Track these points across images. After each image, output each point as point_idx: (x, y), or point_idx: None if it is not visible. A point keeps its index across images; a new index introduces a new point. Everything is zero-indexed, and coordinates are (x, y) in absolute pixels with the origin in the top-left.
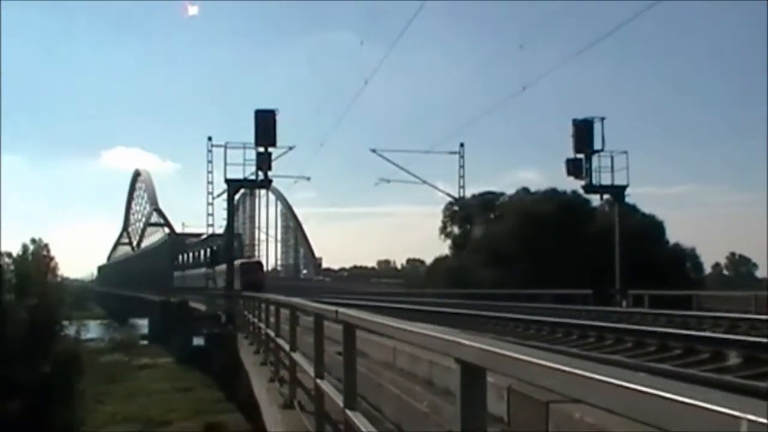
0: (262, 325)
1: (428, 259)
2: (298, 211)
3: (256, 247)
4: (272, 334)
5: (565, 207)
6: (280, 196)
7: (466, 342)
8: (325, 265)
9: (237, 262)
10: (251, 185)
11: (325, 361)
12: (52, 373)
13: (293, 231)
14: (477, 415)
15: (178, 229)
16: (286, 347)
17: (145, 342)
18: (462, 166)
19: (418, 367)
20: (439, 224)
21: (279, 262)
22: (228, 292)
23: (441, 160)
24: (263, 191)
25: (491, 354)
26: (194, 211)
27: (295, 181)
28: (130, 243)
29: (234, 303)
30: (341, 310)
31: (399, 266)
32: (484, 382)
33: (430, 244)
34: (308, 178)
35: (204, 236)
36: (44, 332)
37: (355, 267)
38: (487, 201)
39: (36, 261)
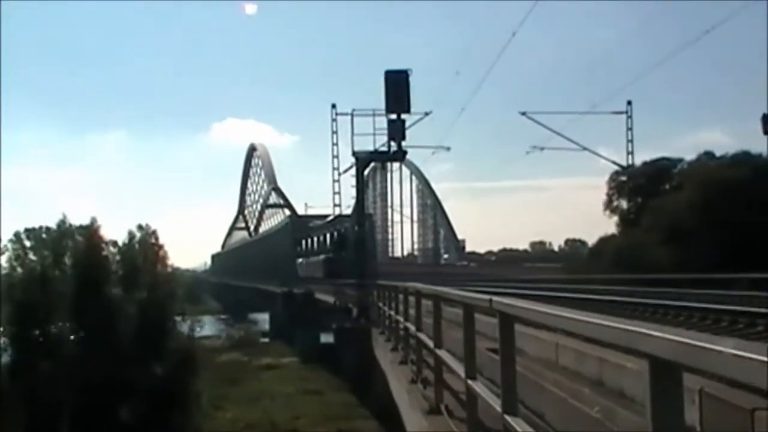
0: (401, 318)
1: (591, 239)
2: (437, 187)
3: (390, 230)
4: (413, 328)
5: (762, 172)
6: (415, 170)
7: (657, 333)
8: (469, 248)
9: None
10: (382, 158)
11: (476, 359)
12: (165, 375)
13: (431, 210)
14: (671, 423)
15: (300, 211)
16: (430, 343)
17: (266, 339)
18: (630, 129)
19: (586, 366)
20: (603, 198)
21: (416, 247)
22: (360, 281)
23: (604, 123)
24: (396, 165)
25: (689, 348)
26: (317, 189)
27: (433, 152)
28: (247, 227)
29: (367, 293)
30: (496, 299)
31: (556, 248)
32: (680, 383)
33: (593, 222)
34: (448, 149)
35: (329, 218)
36: (155, 329)
37: (503, 250)
38: (662, 169)
39: (144, 250)
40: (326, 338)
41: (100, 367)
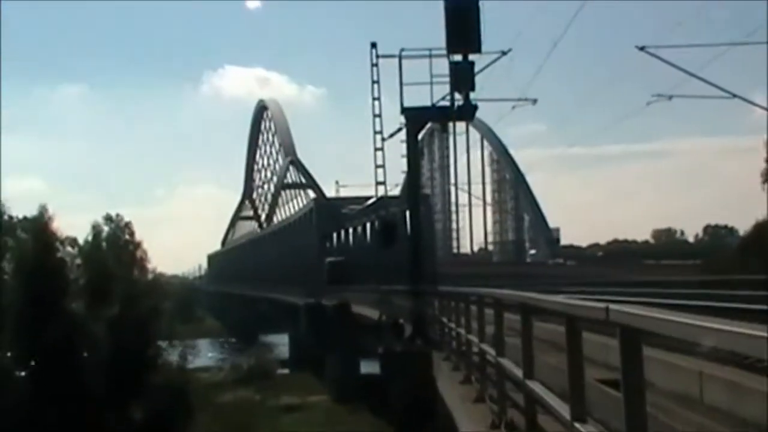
0: (474, 339)
1: (742, 225)
2: (519, 156)
3: (453, 216)
4: (491, 352)
5: None
6: (488, 133)
7: None
8: (565, 240)
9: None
10: (443, 117)
11: (585, 395)
12: (146, 423)
13: (511, 188)
14: None
15: (330, 192)
16: (517, 373)
17: (286, 370)
18: None
19: (747, 406)
20: (761, 166)
21: (490, 239)
22: (415, 288)
23: (762, 59)
24: (462, 126)
25: None
26: (352, 162)
27: (514, 106)
28: (256, 216)
29: (425, 304)
30: (614, 307)
31: (690, 238)
32: None
33: (745, 200)
34: (534, 102)
35: (370, 201)
36: (133, 358)
37: (615, 242)
38: None
39: (115, 250)
40: (368, 367)
41: (57, 413)
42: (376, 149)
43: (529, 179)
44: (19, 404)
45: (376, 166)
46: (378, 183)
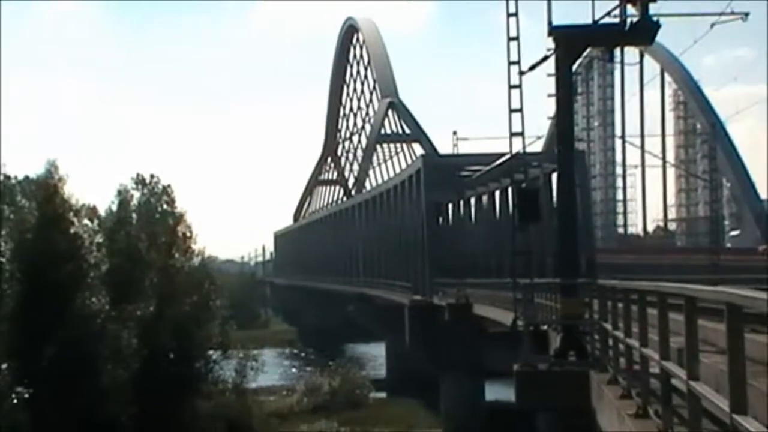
0: (651, 353)
1: None
2: (717, 97)
3: (618, 181)
4: (681, 375)
5: None
6: (672, 64)
7: None
8: None
9: None
10: (608, 39)
11: None
12: None
13: (704, 141)
14: None
15: (444, 147)
16: (722, 405)
17: (383, 394)
18: None
19: None
20: None
21: (672, 214)
22: (566, 282)
23: None
24: (634, 53)
25: None
26: (474, 106)
27: (713, 24)
28: (341, 180)
29: (580, 303)
30: None
31: None
32: None
33: None
34: (744, 16)
35: (501, 160)
36: (173, 375)
37: None
38: None
39: (149, 223)
40: (497, 391)
41: None
42: (510, 87)
43: (731, 130)
44: None
45: (511, 111)
46: (513, 134)
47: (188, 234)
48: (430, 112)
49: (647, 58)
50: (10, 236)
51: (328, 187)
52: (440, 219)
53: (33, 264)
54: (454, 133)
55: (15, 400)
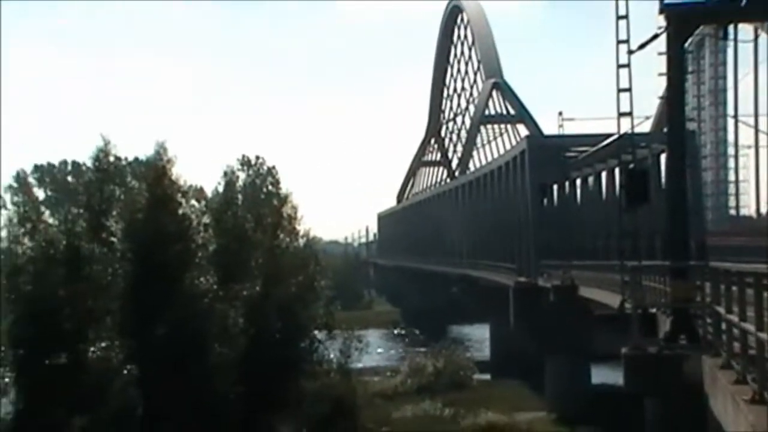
0: None
1: None
2: None
3: (729, 163)
4: None
5: None
6: None
7: None
8: None
9: None
10: (721, 16)
11: None
12: None
13: None
14: None
15: (548, 128)
16: None
17: (487, 376)
18: None
19: None
20: None
21: None
22: (676, 263)
23: None
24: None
25: None
26: (580, 86)
27: None
28: (445, 161)
29: (692, 287)
30: None
31: None
32: None
33: None
34: None
35: (608, 140)
36: (279, 354)
37: None
38: None
39: (255, 204)
40: (604, 375)
41: (175, 426)
42: (619, 66)
43: None
44: (126, 413)
45: (619, 91)
46: (621, 114)
47: (293, 215)
48: (535, 93)
49: (762, 35)
50: (121, 217)
51: (431, 169)
52: (545, 200)
53: (143, 244)
54: (560, 113)
55: (126, 378)
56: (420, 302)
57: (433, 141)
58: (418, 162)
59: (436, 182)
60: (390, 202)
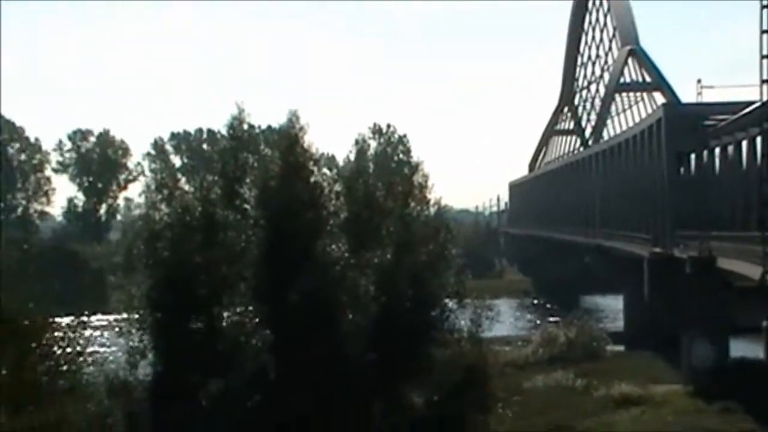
0: None
1: None
2: None
3: None
4: None
5: None
6: None
7: None
8: None
9: None
10: None
11: None
12: (430, 410)
13: None
14: None
15: (686, 97)
16: None
17: (620, 347)
18: None
19: None
20: None
21: None
22: None
23: None
24: None
25: None
26: (718, 54)
27: None
28: (578, 130)
29: None
30: None
31: None
32: None
33: None
34: None
35: (749, 108)
36: (410, 322)
37: None
38: None
39: (386, 173)
40: (743, 348)
41: (309, 392)
42: (762, 32)
43: None
44: (260, 378)
45: (762, 57)
46: (764, 81)
47: (424, 183)
48: (672, 60)
49: None
50: (254, 184)
51: (564, 137)
52: (682, 170)
53: (276, 211)
54: (698, 81)
55: (259, 343)
56: (552, 272)
57: (566, 109)
58: (551, 131)
59: (568, 151)
60: (521, 171)
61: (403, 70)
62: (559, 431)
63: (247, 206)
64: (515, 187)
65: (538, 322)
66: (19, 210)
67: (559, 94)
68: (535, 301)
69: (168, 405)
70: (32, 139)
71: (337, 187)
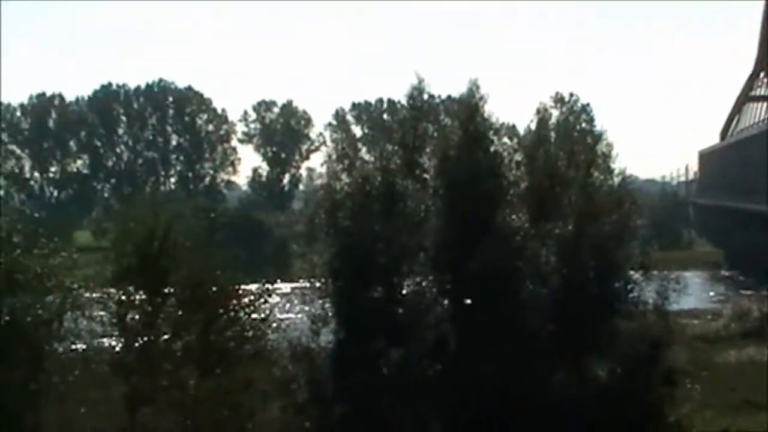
0: None
1: None
2: None
3: None
4: None
5: None
6: None
7: None
8: None
9: None
10: None
11: None
12: (614, 383)
13: None
14: None
15: None
16: None
17: None
18: None
19: None
20: None
21: None
22: None
23: None
24: None
25: None
26: None
27: None
28: None
29: None
30: None
31: None
32: None
33: None
34: None
35: None
36: (595, 294)
37: None
38: None
39: (568, 142)
40: None
41: (489, 363)
42: None
43: None
44: (440, 347)
45: None
46: None
47: (608, 152)
48: None
49: None
50: (433, 154)
51: (760, 104)
52: None
53: (455, 181)
54: None
55: (439, 313)
56: (745, 244)
57: (762, 75)
58: (745, 97)
59: (764, 119)
60: (713, 139)
61: (585, 37)
62: (751, 408)
63: (426, 176)
64: (706, 156)
65: (730, 295)
66: (207, 179)
67: (755, 59)
68: (726, 274)
69: (349, 373)
70: (219, 110)
71: (518, 157)
